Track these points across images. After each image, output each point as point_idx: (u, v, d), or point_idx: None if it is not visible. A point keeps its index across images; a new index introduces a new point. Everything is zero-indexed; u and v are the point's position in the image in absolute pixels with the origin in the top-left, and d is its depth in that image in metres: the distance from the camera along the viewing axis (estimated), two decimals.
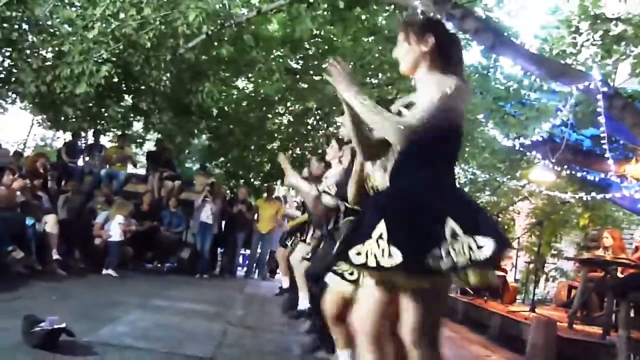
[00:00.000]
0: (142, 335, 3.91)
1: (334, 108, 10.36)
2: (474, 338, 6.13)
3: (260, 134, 11.84)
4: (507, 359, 5.03)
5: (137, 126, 12.50)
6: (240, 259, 11.82)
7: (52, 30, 8.14)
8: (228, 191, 12.10)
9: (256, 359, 3.65)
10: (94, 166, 10.24)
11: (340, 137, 4.58)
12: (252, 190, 12.14)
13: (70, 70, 6.82)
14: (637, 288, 4.29)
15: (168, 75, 8.65)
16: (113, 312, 4.63)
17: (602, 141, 6.19)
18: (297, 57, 10.03)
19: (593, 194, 8.10)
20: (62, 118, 10.65)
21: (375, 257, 1.77)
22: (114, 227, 7.90)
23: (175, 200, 9.88)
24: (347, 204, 3.23)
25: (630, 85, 6.60)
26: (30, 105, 10.91)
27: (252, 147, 12.22)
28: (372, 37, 9.54)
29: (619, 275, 5.92)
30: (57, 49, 7.57)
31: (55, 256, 6.75)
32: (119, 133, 11.40)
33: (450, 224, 1.76)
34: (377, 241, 1.80)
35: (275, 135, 12.36)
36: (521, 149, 7.63)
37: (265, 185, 11.90)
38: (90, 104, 9.76)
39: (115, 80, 7.53)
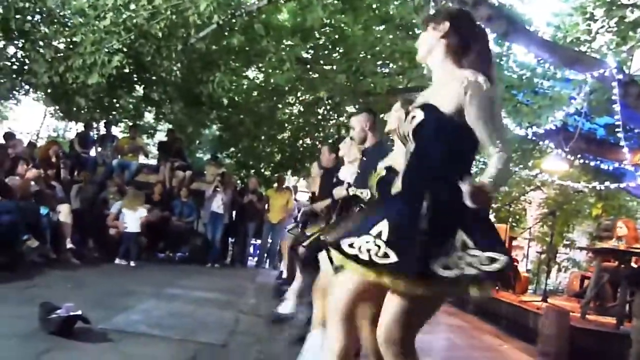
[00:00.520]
0: (156, 323, 3.96)
1: (345, 98, 10.32)
2: (485, 328, 6.12)
3: (271, 124, 11.84)
4: (519, 349, 5.02)
5: (149, 117, 12.56)
6: (251, 249, 11.87)
7: (64, 21, 8.19)
8: (239, 181, 12.15)
9: (268, 347, 3.68)
10: (106, 156, 10.32)
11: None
12: (263, 180, 12.17)
13: (82, 61, 6.86)
14: None
15: (179, 65, 8.67)
16: (127, 300, 4.68)
17: (617, 129, 6.11)
18: (308, 46, 9.98)
19: (607, 183, 8.02)
20: (75, 109, 10.71)
21: (369, 253, 1.77)
22: (133, 219, 7.96)
23: (187, 190, 9.93)
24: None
25: None
26: (43, 96, 11.00)
27: (263, 137, 12.23)
28: (383, 26, 9.46)
29: (633, 265, 5.88)
30: (69, 39, 7.62)
31: (69, 245, 6.84)
32: (131, 124, 11.47)
33: (461, 235, 1.76)
34: (374, 238, 1.80)
35: (286, 125, 12.34)
36: (534, 138, 7.56)
37: (276, 175, 11.93)
38: (102, 95, 9.81)
39: (127, 70, 7.58)
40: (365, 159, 3.42)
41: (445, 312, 6.73)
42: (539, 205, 11.67)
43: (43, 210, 6.46)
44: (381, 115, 4.26)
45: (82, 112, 10.93)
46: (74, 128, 12.50)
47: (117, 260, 7.72)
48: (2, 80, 9.32)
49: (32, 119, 16.14)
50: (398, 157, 2.80)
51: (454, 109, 1.84)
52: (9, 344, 2.93)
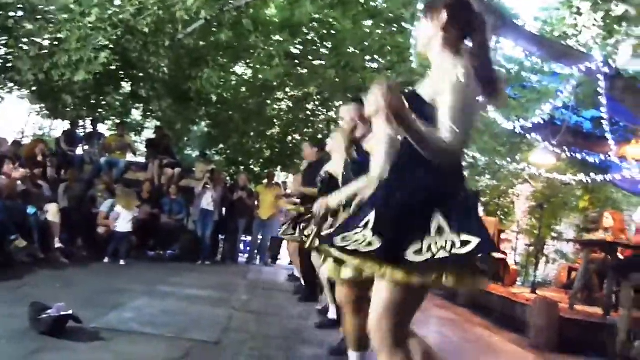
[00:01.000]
0: (148, 321, 3.94)
1: (334, 93, 10.31)
2: (476, 320, 6.18)
3: (260, 120, 11.80)
4: (509, 340, 5.07)
5: (136, 114, 12.46)
6: (242, 246, 11.84)
7: (48, 17, 8.06)
8: (228, 178, 12.10)
9: (262, 343, 3.68)
10: (94, 154, 10.23)
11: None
12: (252, 177, 12.14)
13: (68, 58, 6.76)
14: (638, 267, 4.33)
15: (167, 61, 8.60)
16: (118, 298, 4.66)
17: (603, 121, 6.17)
18: (297, 41, 9.94)
19: (593, 175, 8.12)
20: (61, 106, 10.60)
21: (356, 243, 1.80)
22: (127, 219, 7.90)
23: (176, 187, 9.88)
24: None
25: (631, 67, 6.57)
26: (28, 93, 10.84)
27: (252, 134, 12.20)
28: (372, 21, 9.46)
29: (620, 256, 5.96)
30: (54, 36, 7.51)
31: (58, 244, 6.78)
32: (118, 121, 11.35)
33: (438, 220, 1.75)
34: (363, 229, 1.82)
35: (275, 121, 12.32)
36: (522, 132, 7.61)
37: (266, 171, 11.91)
38: (89, 92, 9.72)
39: (114, 67, 7.47)
40: (356, 148, 3.42)
41: (436, 305, 6.78)
42: (527, 199, 11.77)
43: (30, 210, 6.40)
44: None
45: (69, 109, 10.81)
46: (60, 126, 12.36)
47: (106, 259, 7.67)
48: None
49: (17, 117, 15.93)
50: (374, 141, 2.82)
51: (436, 97, 1.82)
52: None
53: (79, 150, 10.41)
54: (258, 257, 10.99)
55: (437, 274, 1.71)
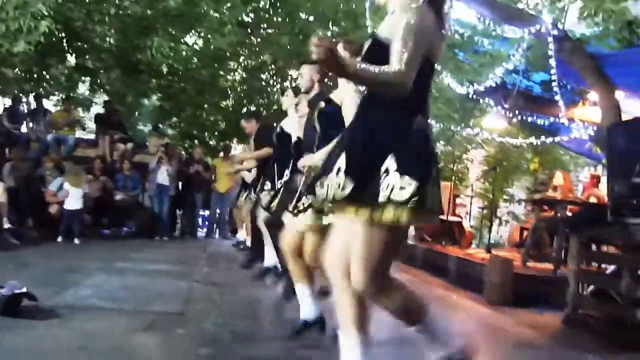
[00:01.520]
0: (108, 296, 3.86)
1: (288, 62, 10.16)
2: (434, 281, 6.35)
3: (213, 91, 11.52)
4: (467, 298, 5.25)
5: (83, 88, 11.92)
6: (200, 221, 11.69)
7: None
8: (183, 152, 11.84)
9: (226, 313, 3.66)
10: (40, 132, 9.80)
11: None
12: (208, 150, 11.91)
13: (5, 27, 6.34)
14: (589, 222, 4.52)
15: (113, 31, 8.20)
16: (74, 277, 4.53)
17: (553, 84, 6.35)
18: (249, 9, 9.69)
19: (543, 138, 8.39)
20: (1, 81, 10.02)
21: (333, 189, 1.87)
22: (76, 196, 7.65)
23: (129, 163, 9.63)
24: None
25: (578, 29, 6.75)
26: None
27: (206, 106, 11.91)
28: None
29: (568, 214, 6.22)
30: None
31: (7, 225, 6.53)
32: (64, 96, 10.85)
33: (388, 162, 1.80)
34: (337, 174, 1.87)
35: (229, 92, 12.06)
36: (474, 96, 7.75)
37: (222, 144, 11.71)
38: (31, 65, 9.20)
39: (57, 37, 7.06)
40: (311, 108, 3.41)
41: (393, 267, 6.92)
42: (481, 163, 12.08)
43: None
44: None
45: (10, 84, 10.24)
46: (1, 102, 11.71)
47: (59, 239, 7.44)
48: None
49: None
50: (339, 93, 2.84)
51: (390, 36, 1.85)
52: None
53: (24, 128, 9.94)
54: (217, 231, 10.89)
55: (383, 211, 1.77)
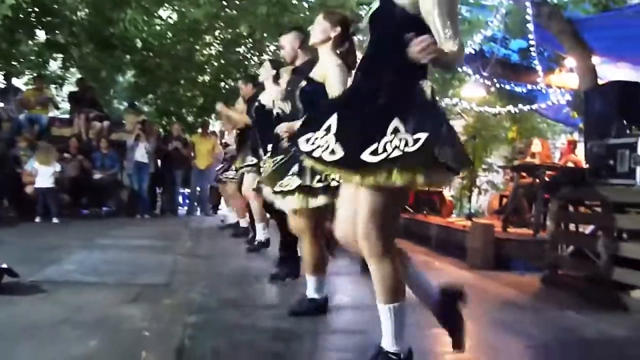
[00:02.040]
0: (91, 271, 3.82)
1: (265, 35, 9.99)
2: (417, 249, 6.41)
3: (190, 66, 11.30)
4: (449, 264, 5.32)
5: (55, 66, 11.57)
6: (181, 199, 11.60)
7: None
8: (161, 129, 11.67)
9: (212, 283, 3.66)
10: (11, 111, 9.52)
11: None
12: (187, 126, 11.74)
13: None
14: (567, 184, 4.60)
15: (84, 4, 7.93)
16: (55, 254, 4.48)
17: (531, 49, 6.38)
18: None
19: (520, 106, 8.47)
20: None
21: (320, 149, 1.83)
22: (46, 174, 7.51)
23: (106, 141, 9.47)
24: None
25: None
26: None
27: (182, 81, 11.68)
28: None
29: (547, 180, 6.31)
30: None
31: None
32: (35, 74, 10.53)
33: (395, 123, 1.76)
34: (325, 133, 1.84)
35: (206, 67, 11.84)
36: None
37: (200, 120, 11.56)
38: None
39: (25, 11, 6.81)
40: (296, 76, 3.36)
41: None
42: (460, 133, 12.16)
43: None
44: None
45: None
46: None
47: (37, 219, 7.33)
48: None
49: None
50: (320, 69, 2.79)
51: (407, 1, 1.83)
52: None
53: None
54: (198, 208, 10.82)
55: (389, 173, 1.71)
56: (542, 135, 10.62)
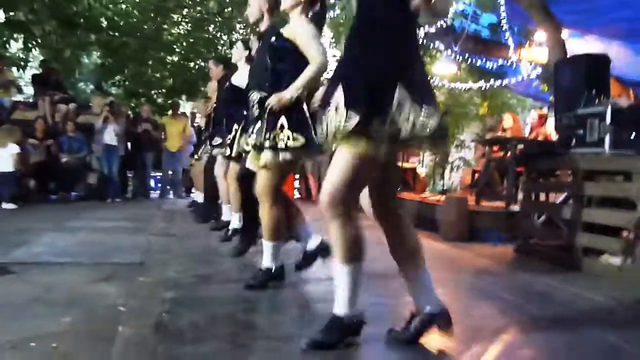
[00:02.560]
0: (62, 252, 3.74)
1: (234, 12, 9.81)
2: None
3: (157, 46, 11.03)
4: (423, 237, 5.36)
5: (16, 47, 11.15)
6: (153, 183, 11.39)
7: None
8: (130, 111, 11.41)
9: (187, 261, 3.61)
10: None
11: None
12: (157, 108, 11.51)
13: None
14: (537, 155, 4.67)
15: None
16: (23, 237, 4.36)
17: (503, 21, 6.41)
18: None
19: (491, 81, 8.55)
20: None
21: (332, 124, 1.81)
22: (2, 157, 7.29)
23: (73, 124, 9.21)
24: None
25: None
26: None
27: (150, 62, 11.41)
28: None
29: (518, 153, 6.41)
30: None
31: None
32: None
33: (401, 93, 1.76)
34: (335, 109, 1.81)
35: (175, 47, 11.58)
36: (425, 40, 7.76)
37: (170, 101, 11.34)
38: None
39: None
40: (261, 42, 3.31)
41: None
42: None
43: None
44: None
45: None
46: None
47: (3, 205, 7.13)
48: None
49: None
50: (290, 29, 2.75)
51: None
52: None
53: None
54: (171, 191, 10.65)
55: (385, 148, 1.75)
56: (513, 111, 10.76)
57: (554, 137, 5.90)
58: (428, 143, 1.82)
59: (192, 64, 11.37)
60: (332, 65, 2.42)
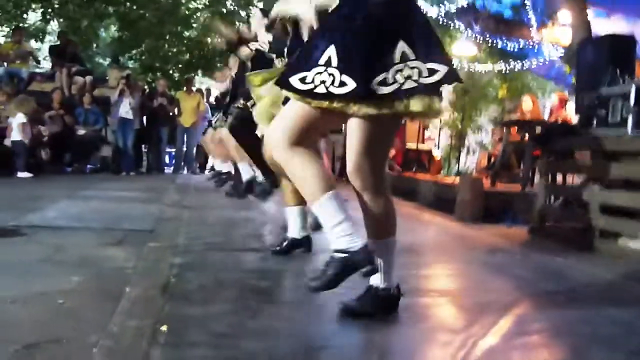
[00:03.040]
0: (75, 217, 3.76)
1: None
2: (405, 204, 6.40)
3: (175, 20, 10.97)
4: (438, 217, 5.31)
5: (34, 18, 11.16)
6: (167, 159, 11.42)
7: None
8: (146, 86, 11.41)
9: (198, 229, 3.60)
10: None
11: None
12: (172, 83, 11.48)
13: None
14: (557, 136, 4.56)
15: None
16: (38, 203, 4.39)
17: (525, 3, 6.25)
18: None
19: (512, 63, 8.38)
20: None
21: (324, 84, 1.64)
22: (14, 126, 7.35)
23: (89, 96, 9.23)
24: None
25: None
26: None
27: (167, 36, 11.36)
28: None
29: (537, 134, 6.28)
30: None
31: None
32: (13, 26, 10.17)
33: (402, 47, 1.65)
34: (325, 67, 1.66)
35: (192, 21, 11.50)
36: (445, 20, 7.61)
37: (185, 77, 11.32)
38: None
39: None
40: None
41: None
42: (450, 93, 12.04)
43: None
44: None
45: None
46: None
47: (19, 174, 7.20)
48: None
49: None
50: None
51: None
52: None
53: None
54: (185, 167, 10.67)
55: (404, 103, 1.63)
56: (533, 94, 10.56)
57: (575, 121, 5.78)
58: (435, 101, 1.66)
59: (209, 39, 11.29)
60: None
